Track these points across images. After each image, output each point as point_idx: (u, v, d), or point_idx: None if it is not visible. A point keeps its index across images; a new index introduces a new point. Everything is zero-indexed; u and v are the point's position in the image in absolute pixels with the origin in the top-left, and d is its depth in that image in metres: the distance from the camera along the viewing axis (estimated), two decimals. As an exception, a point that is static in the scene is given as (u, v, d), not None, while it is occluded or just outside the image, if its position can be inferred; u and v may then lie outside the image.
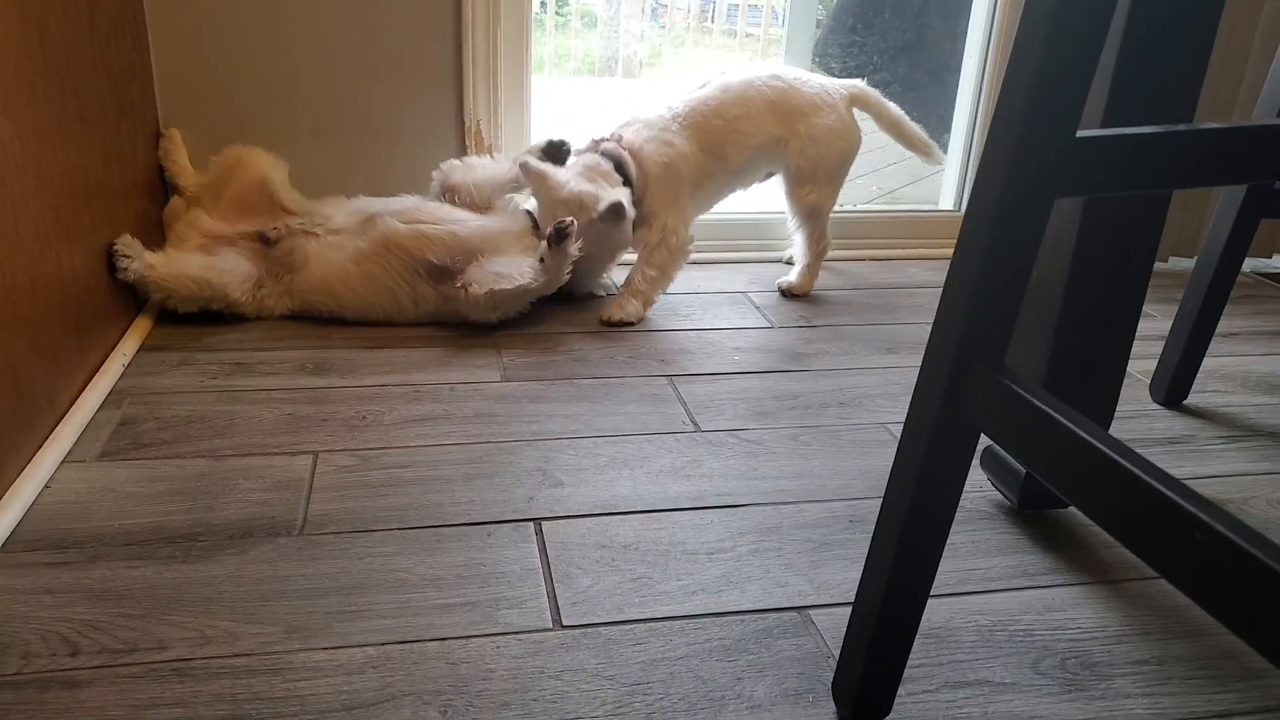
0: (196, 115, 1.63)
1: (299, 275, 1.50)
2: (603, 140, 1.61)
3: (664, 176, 1.59)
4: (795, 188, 1.69)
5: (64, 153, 1.18)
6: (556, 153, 1.61)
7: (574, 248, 1.47)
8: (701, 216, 1.81)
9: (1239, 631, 0.43)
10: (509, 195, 1.62)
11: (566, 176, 1.53)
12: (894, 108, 1.75)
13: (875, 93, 1.74)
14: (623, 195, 1.51)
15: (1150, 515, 0.47)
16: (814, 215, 1.70)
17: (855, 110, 1.72)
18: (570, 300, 1.64)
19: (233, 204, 1.55)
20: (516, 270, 1.47)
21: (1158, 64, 0.83)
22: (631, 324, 1.57)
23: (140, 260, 1.38)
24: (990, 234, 0.62)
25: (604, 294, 1.69)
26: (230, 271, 1.46)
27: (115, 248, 1.35)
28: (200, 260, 1.45)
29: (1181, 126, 0.63)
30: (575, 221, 1.46)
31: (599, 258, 1.60)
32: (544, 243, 1.47)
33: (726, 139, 1.63)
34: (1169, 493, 0.45)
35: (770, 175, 1.75)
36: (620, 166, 1.57)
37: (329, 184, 1.64)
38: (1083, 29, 0.58)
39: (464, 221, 1.53)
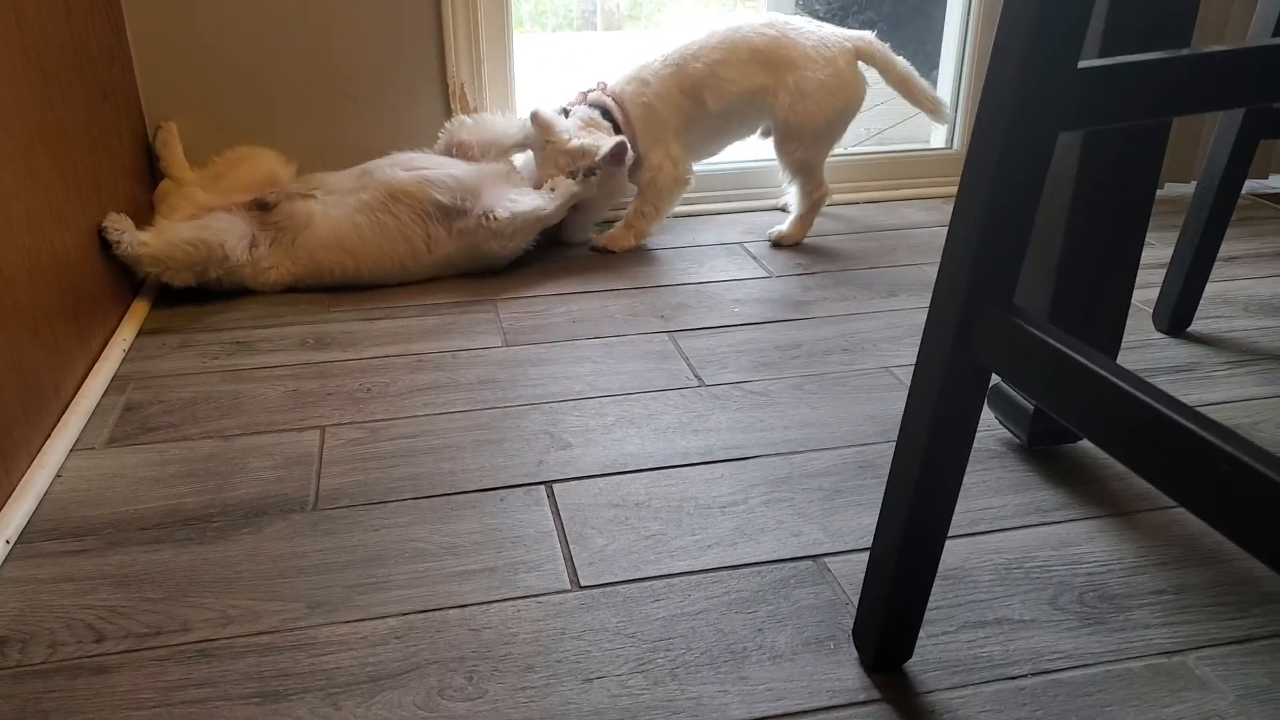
0: (178, 96, 1.61)
1: (302, 236, 1.48)
2: (589, 91, 1.67)
3: (645, 117, 1.64)
4: (782, 143, 1.67)
5: (50, 140, 1.16)
6: (566, 115, 1.64)
7: (594, 183, 1.61)
8: (696, 166, 1.81)
9: (1268, 560, 0.44)
10: (515, 156, 1.67)
11: (571, 130, 1.60)
12: (902, 63, 1.66)
13: (882, 47, 1.66)
14: (617, 139, 1.59)
15: (1174, 449, 0.47)
16: (804, 169, 1.68)
17: (862, 65, 1.66)
18: (563, 256, 1.64)
19: (231, 187, 1.53)
20: (530, 197, 1.56)
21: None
22: (614, 252, 1.68)
23: (131, 235, 1.36)
24: (995, 172, 0.61)
25: (586, 239, 1.72)
26: (225, 229, 1.43)
27: (105, 225, 1.34)
28: (191, 224, 1.43)
29: (1184, 51, 0.62)
30: (601, 162, 1.59)
31: (597, 200, 1.66)
32: (565, 177, 1.58)
33: (704, 83, 1.62)
34: (1193, 426, 0.45)
35: (769, 133, 1.72)
36: (607, 114, 1.63)
37: (318, 156, 1.62)
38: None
39: (457, 165, 1.58)
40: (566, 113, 1.64)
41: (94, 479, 1.04)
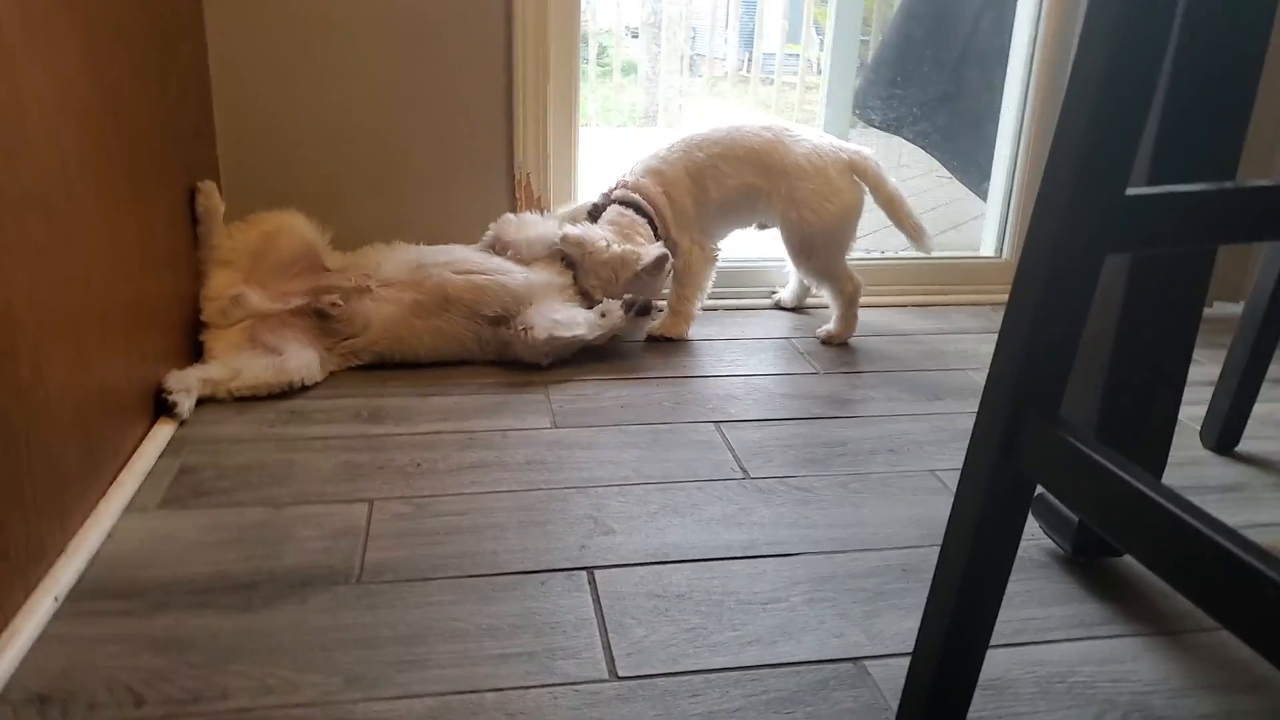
0: (255, 172, 1.68)
1: (362, 338, 1.52)
2: (612, 190, 1.71)
3: (667, 204, 1.69)
4: (795, 256, 1.72)
5: (135, 210, 1.22)
6: (598, 212, 1.69)
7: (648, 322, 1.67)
8: (743, 263, 1.87)
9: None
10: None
11: (604, 240, 1.61)
12: (892, 184, 1.69)
13: (876, 165, 1.69)
14: (659, 248, 1.62)
15: (1221, 574, 0.47)
16: (824, 274, 1.72)
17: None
18: (614, 343, 1.66)
19: (274, 270, 1.53)
20: (574, 320, 1.57)
21: (1201, 122, 0.84)
22: (670, 339, 1.70)
23: (192, 389, 1.35)
24: (1043, 290, 0.63)
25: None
26: (302, 368, 1.44)
27: (165, 394, 1.31)
28: (263, 361, 1.43)
29: (1228, 184, 0.64)
30: (654, 305, 1.67)
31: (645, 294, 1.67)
32: (618, 305, 1.59)
33: (706, 173, 1.69)
34: (1240, 552, 0.45)
35: (765, 226, 1.77)
36: (639, 209, 1.66)
37: (381, 236, 1.67)
38: (1132, 89, 0.59)
39: (510, 273, 1.59)
40: (597, 209, 1.69)
41: (145, 540, 1.06)
